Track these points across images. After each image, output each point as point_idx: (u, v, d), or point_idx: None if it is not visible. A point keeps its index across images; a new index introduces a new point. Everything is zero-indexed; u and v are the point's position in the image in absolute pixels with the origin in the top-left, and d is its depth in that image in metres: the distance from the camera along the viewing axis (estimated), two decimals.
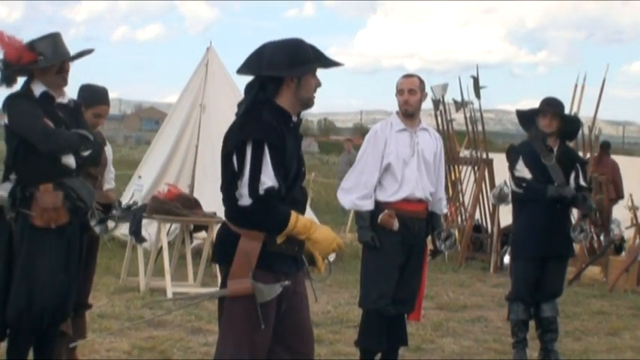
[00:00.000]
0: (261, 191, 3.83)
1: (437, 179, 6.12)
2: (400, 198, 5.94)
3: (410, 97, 6.00)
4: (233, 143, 3.90)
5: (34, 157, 4.83)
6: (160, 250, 9.23)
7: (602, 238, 11.43)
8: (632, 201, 11.39)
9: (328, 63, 4.05)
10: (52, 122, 4.86)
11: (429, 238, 6.15)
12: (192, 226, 9.59)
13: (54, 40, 4.96)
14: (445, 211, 6.62)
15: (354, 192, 5.98)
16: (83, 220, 5.05)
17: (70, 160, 4.93)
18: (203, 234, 9.76)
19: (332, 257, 4.36)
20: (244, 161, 3.85)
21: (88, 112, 5.66)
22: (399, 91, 6.04)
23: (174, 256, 9.68)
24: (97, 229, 5.19)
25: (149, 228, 9.87)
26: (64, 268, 4.92)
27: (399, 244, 5.92)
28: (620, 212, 11.84)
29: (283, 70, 3.94)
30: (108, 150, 6.11)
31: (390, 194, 5.95)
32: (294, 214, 3.91)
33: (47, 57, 4.88)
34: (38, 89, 4.93)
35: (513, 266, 6.86)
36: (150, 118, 73.21)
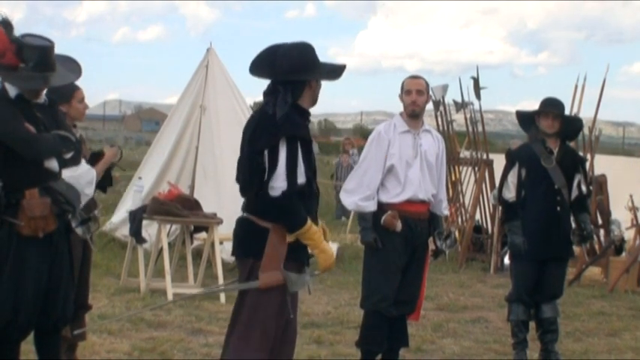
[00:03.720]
0: (294, 185, 4.08)
1: (438, 181, 6.13)
2: (403, 199, 5.94)
3: (418, 97, 6.00)
4: (266, 141, 4.09)
5: (17, 162, 4.53)
6: (160, 251, 9.22)
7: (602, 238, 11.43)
8: (632, 201, 11.38)
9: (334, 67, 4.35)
10: (32, 125, 4.57)
11: (431, 238, 6.16)
12: (192, 227, 9.57)
13: (42, 54, 4.57)
14: (446, 212, 6.60)
15: (357, 193, 5.96)
16: (67, 221, 4.82)
17: (53, 164, 4.65)
18: (203, 235, 9.74)
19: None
20: (277, 157, 4.07)
21: (73, 103, 5.56)
22: (407, 92, 6.01)
23: (175, 257, 9.67)
24: (79, 231, 4.93)
25: (149, 229, 9.86)
26: (53, 274, 4.71)
27: (401, 246, 5.91)
28: (620, 213, 11.83)
29: (310, 74, 4.20)
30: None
31: (393, 195, 5.94)
32: (309, 220, 4.16)
33: (28, 71, 4.51)
34: (13, 90, 4.62)
35: (513, 268, 6.85)
36: (150, 119, 73.07)
